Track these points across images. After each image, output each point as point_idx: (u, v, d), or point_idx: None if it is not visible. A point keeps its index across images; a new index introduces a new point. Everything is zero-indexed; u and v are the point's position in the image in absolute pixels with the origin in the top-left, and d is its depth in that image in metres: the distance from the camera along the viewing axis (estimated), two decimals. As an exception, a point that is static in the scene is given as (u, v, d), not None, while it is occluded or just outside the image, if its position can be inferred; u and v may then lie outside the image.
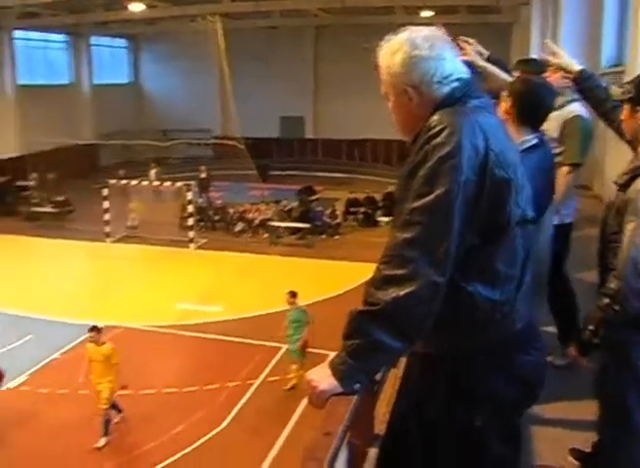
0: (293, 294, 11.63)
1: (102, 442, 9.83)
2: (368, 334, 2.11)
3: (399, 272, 2.11)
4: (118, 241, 21.64)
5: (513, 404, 2.40)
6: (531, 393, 2.46)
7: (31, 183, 26.66)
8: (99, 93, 36.05)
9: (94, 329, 10.12)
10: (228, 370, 12.06)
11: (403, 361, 2.69)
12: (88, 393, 11.19)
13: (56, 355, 12.81)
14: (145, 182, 22.22)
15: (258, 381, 11.62)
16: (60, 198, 25.27)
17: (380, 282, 2.14)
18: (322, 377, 2.19)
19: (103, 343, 10.05)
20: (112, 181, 21.78)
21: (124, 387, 10.40)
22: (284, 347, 12.72)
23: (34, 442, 9.90)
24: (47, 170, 28.83)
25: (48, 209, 24.79)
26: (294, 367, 11.38)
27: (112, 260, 19.94)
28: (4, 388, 11.40)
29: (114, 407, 10.28)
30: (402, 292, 2.09)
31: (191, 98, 37.37)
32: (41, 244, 21.89)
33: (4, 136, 29.70)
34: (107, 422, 9.94)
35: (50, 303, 15.81)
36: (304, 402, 10.79)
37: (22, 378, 11.79)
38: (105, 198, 21.39)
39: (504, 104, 3.54)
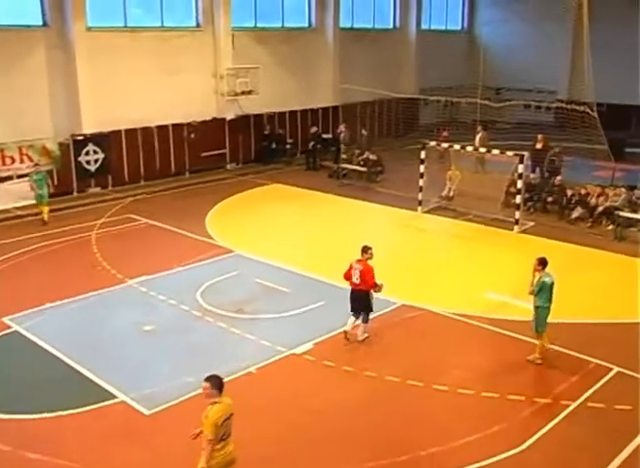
0: (541, 262, 12.23)
1: None
2: None
3: None
4: (430, 211, 22.26)
5: None
6: None
7: (341, 137, 28.55)
8: (424, 40, 36.93)
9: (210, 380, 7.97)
10: (539, 382, 11.72)
11: None
12: (375, 375, 11.85)
13: (347, 327, 13.53)
14: (469, 148, 22.37)
15: (574, 404, 11.06)
16: (372, 156, 26.74)
17: None
18: None
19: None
20: (431, 143, 22.31)
21: None
22: (615, 369, 12.07)
23: (298, 417, 10.77)
24: (360, 123, 30.73)
25: (356, 167, 26.44)
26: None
27: (421, 233, 20.58)
28: (290, 353, 12.54)
29: None
30: None
31: (535, 52, 36.60)
32: (345, 204, 23.47)
33: (321, 84, 32.19)
34: None
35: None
36: (634, 444, 10.07)
37: (308, 346, 12.78)
38: (422, 161, 22.04)
39: None
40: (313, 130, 29.90)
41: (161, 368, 12.23)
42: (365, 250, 12.96)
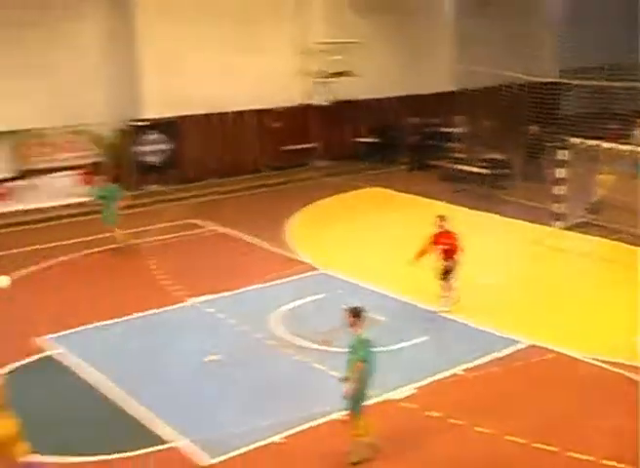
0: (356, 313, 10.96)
1: None
2: None
3: None
4: (572, 227, 21.99)
5: None
6: None
7: (458, 131, 28.49)
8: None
9: None
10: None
11: None
12: (492, 433, 11.75)
13: (456, 369, 13.63)
14: (625, 147, 21.97)
15: None
16: (496, 156, 26.57)
17: None
18: None
19: None
20: (575, 141, 22.00)
21: None
22: None
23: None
24: (481, 114, 30.37)
25: (477, 169, 26.40)
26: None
27: (558, 254, 20.29)
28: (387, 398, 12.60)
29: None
30: None
31: None
32: (460, 215, 23.24)
33: (432, 63, 32.04)
34: None
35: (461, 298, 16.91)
36: None
37: (408, 391, 12.81)
38: (562, 163, 21.81)
39: None
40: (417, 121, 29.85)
41: (227, 407, 12.47)
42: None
